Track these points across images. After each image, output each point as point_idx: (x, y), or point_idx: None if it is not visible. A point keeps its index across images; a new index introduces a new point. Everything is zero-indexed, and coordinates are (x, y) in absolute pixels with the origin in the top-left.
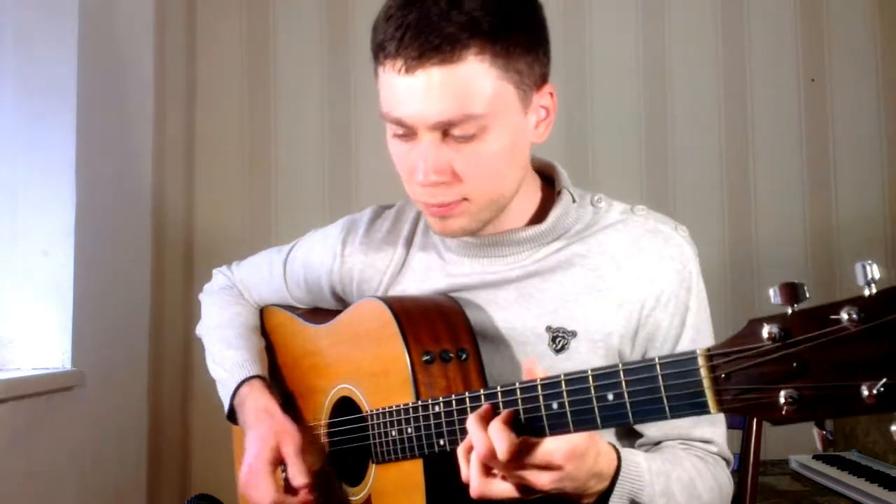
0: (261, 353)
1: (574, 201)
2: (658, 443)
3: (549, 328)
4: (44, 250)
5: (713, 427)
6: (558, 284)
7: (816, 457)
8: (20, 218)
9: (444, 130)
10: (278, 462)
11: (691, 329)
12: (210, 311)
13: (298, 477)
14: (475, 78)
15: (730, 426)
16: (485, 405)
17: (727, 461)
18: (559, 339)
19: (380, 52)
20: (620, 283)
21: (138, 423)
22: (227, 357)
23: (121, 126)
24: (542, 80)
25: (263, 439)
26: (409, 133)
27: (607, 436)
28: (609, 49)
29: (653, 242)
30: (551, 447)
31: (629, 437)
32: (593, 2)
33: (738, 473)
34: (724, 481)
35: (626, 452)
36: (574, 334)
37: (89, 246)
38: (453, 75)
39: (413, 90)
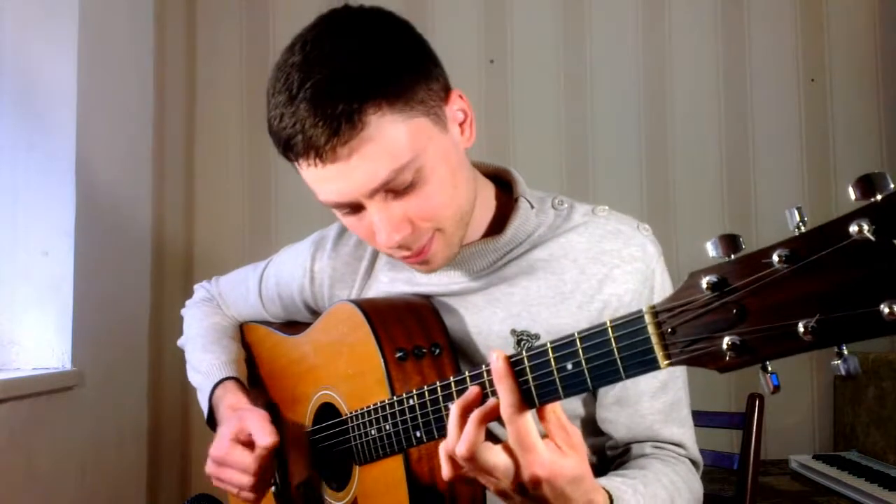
0: (238, 358)
1: (533, 207)
2: (627, 447)
3: (513, 331)
4: (44, 250)
5: (682, 428)
6: (523, 289)
7: (816, 457)
8: (20, 218)
9: (386, 189)
10: (243, 440)
11: None
12: (190, 322)
13: (265, 438)
14: (385, 133)
15: (730, 426)
16: (473, 389)
17: (697, 464)
18: (524, 342)
19: (288, 152)
20: (583, 287)
21: (138, 423)
22: (203, 361)
23: (121, 126)
24: (446, 91)
25: (226, 428)
26: (354, 207)
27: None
28: (609, 49)
29: (614, 244)
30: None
31: (596, 435)
32: (593, 2)
33: (739, 473)
34: (697, 490)
35: (614, 489)
36: (537, 337)
37: (89, 246)
38: (365, 143)
39: (335, 174)
